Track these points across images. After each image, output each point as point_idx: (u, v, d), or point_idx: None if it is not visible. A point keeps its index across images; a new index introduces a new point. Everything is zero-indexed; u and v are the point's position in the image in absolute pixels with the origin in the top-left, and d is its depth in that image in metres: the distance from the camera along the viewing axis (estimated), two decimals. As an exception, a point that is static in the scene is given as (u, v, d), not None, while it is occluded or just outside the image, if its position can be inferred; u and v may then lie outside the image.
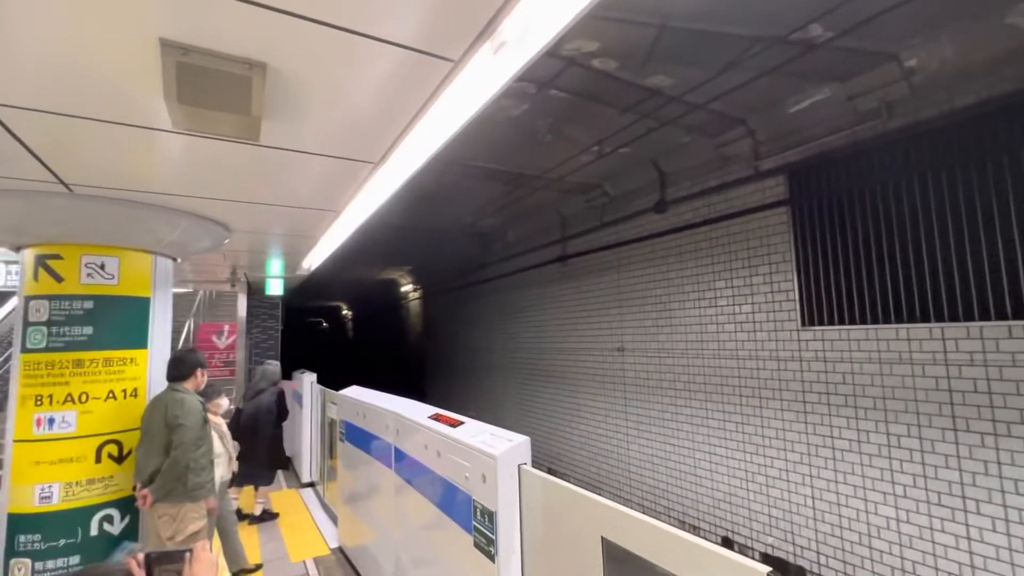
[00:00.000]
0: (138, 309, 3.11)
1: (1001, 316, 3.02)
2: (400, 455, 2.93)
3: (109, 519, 2.89)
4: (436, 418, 2.58)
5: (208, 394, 3.45)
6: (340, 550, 4.23)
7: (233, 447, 3.57)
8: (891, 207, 3.54)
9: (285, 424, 5.33)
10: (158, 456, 2.76)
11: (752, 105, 4.03)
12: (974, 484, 3.12)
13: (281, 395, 5.24)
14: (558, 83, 3.68)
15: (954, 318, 3.22)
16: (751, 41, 3.17)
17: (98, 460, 2.87)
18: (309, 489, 6.08)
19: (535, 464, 1.93)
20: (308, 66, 1.53)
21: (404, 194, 2.89)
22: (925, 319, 3.35)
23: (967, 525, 3.14)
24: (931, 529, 3.30)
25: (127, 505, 2.92)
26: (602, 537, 1.43)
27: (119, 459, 2.94)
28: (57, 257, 2.87)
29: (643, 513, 1.30)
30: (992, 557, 3.03)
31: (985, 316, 3.09)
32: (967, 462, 3.16)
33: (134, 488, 2.85)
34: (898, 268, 3.49)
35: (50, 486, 2.74)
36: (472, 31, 1.39)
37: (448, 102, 1.76)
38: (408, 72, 1.58)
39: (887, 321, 3.55)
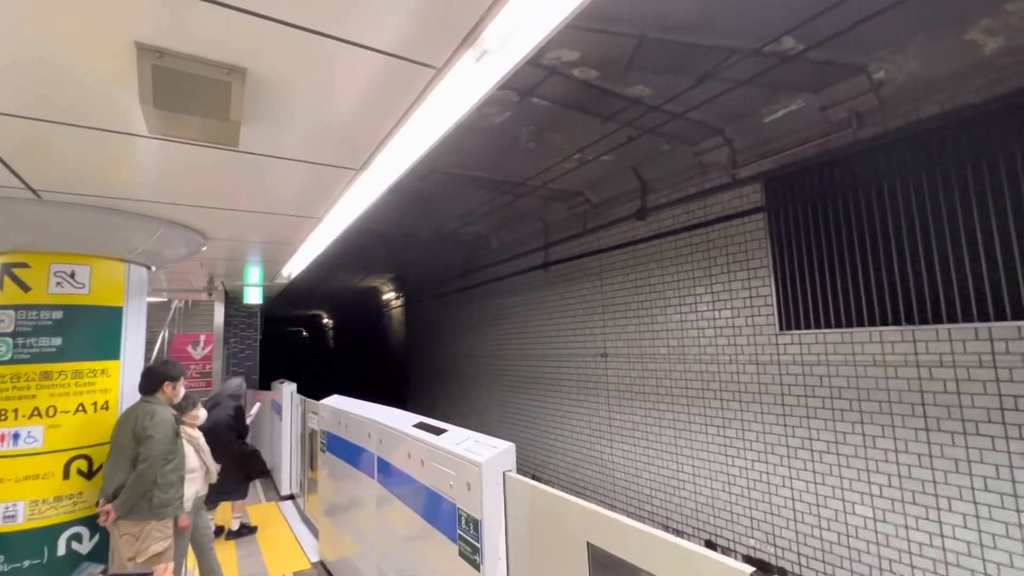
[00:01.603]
0: (110, 319, 3.02)
1: (968, 319, 3.13)
2: (383, 464, 2.89)
3: (78, 537, 2.78)
4: (420, 426, 2.55)
5: (183, 406, 3.35)
6: (321, 564, 4.14)
7: (212, 461, 3.46)
8: (863, 214, 3.66)
9: (263, 435, 5.19)
10: (125, 470, 2.65)
11: (729, 115, 4.13)
12: (946, 482, 3.22)
13: (239, 410, 5.03)
14: (540, 91, 3.71)
15: (924, 321, 3.33)
16: (727, 52, 3.25)
17: (66, 476, 2.76)
18: (289, 502, 5.95)
19: (520, 471, 1.92)
20: (289, 72, 1.51)
21: (387, 200, 2.87)
22: (897, 322, 3.46)
23: (940, 523, 3.23)
24: (906, 527, 3.39)
25: (97, 523, 2.81)
26: (587, 542, 1.43)
27: (89, 475, 2.83)
28: (24, 266, 2.78)
29: (627, 517, 1.30)
30: (964, 553, 3.11)
31: (953, 319, 3.20)
32: (939, 460, 3.25)
33: (97, 504, 2.73)
34: (871, 273, 3.60)
35: (14, 504, 2.63)
36: (455, 38, 1.40)
37: (431, 109, 1.76)
38: (391, 79, 1.58)
39: (861, 324, 3.64)
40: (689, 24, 2.99)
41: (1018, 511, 2.92)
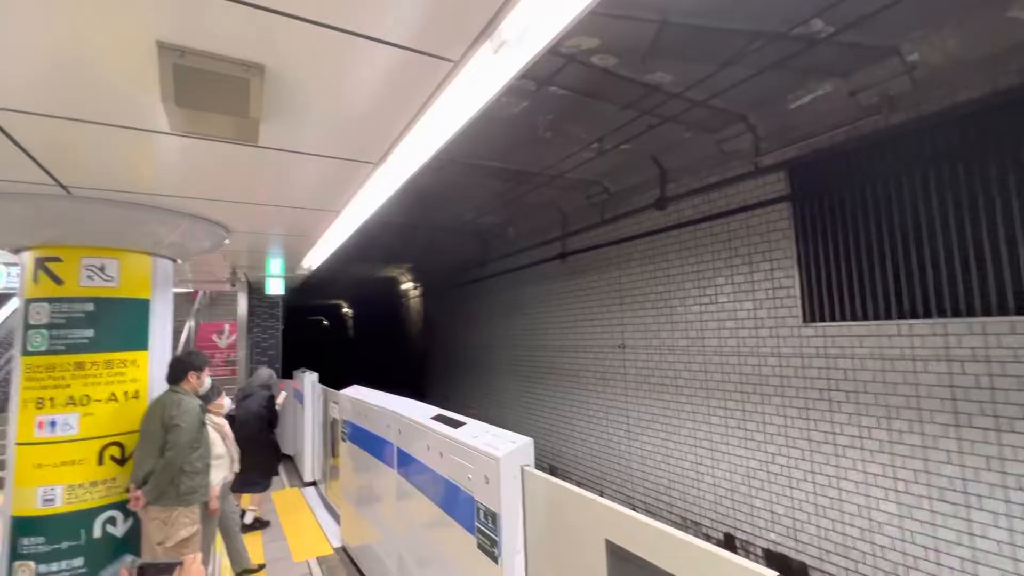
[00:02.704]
0: (138, 311, 3.10)
1: (1003, 311, 3.01)
2: (403, 455, 2.93)
3: (112, 521, 2.89)
4: (438, 418, 2.57)
5: (208, 396, 3.44)
6: (343, 549, 4.24)
7: (236, 449, 3.56)
8: (892, 202, 3.53)
9: (286, 423, 5.28)
10: (153, 457, 2.75)
11: (753, 101, 4.01)
12: (976, 480, 3.13)
13: (271, 400, 5.08)
14: (558, 80, 3.65)
15: (956, 314, 3.21)
16: (752, 36, 3.15)
17: (100, 462, 2.87)
18: (311, 488, 6.10)
19: (537, 462, 1.93)
20: (307, 67, 1.51)
21: (404, 192, 2.87)
22: (927, 315, 3.34)
23: (969, 520, 3.14)
24: (933, 524, 3.31)
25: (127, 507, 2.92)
26: (606, 539, 1.43)
27: (121, 461, 2.94)
28: (56, 260, 2.86)
29: (645, 510, 1.29)
30: (994, 552, 3.03)
31: (987, 312, 3.08)
32: (969, 458, 3.16)
33: (128, 489, 2.84)
34: (900, 263, 3.48)
35: (53, 489, 2.74)
36: (472, 31, 1.38)
37: (448, 102, 1.74)
38: (408, 72, 1.56)
39: (889, 317, 3.54)
40: (712, 8, 2.89)
41: (1053, 511, 2.83)
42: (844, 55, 3.33)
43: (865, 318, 3.67)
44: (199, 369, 3.11)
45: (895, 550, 3.49)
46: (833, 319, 3.86)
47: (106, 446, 2.89)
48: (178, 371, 3.03)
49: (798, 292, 4.09)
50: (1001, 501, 3.02)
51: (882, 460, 3.57)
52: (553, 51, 3.24)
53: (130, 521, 2.94)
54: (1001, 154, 3.03)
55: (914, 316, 3.41)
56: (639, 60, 3.41)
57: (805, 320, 4.05)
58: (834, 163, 3.86)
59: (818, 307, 3.97)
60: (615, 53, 3.34)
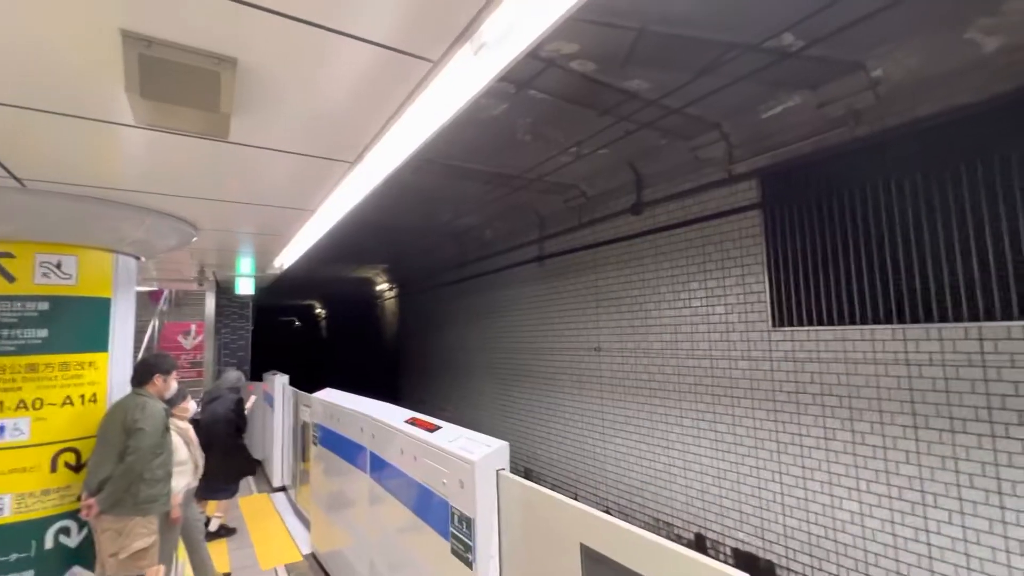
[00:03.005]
0: (98, 310, 2.96)
1: (958, 318, 3.16)
2: (376, 460, 2.88)
3: (66, 531, 2.75)
4: (412, 422, 2.54)
5: (173, 399, 3.31)
6: (313, 556, 4.15)
7: (200, 455, 3.44)
8: (858, 212, 3.66)
9: (255, 426, 5.14)
10: (111, 463, 2.61)
11: (726, 110, 4.11)
12: (932, 479, 3.26)
13: (240, 403, 4.93)
14: (537, 84, 3.67)
15: (915, 320, 3.35)
16: (726, 47, 3.22)
17: (53, 469, 2.73)
18: (281, 493, 5.94)
19: (512, 465, 1.92)
20: (282, 62, 1.47)
21: (381, 191, 2.83)
22: (888, 320, 3.48)
23: (926, 518, 3.28)
24: (892, 522, 3.44)
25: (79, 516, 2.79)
26: (581, 543, 1.43)
27: (76, 468, 2.80)
28: (8, 255, 2.71)
29: (618, 511, 1.30)
30: (948, 548, 3.17)
31: (944, 318, 3.22)
32: (926, 458, 3.30)
33: (79, 497, 2.68)
34: (863, 271, 3.62)
35: (1, 498, 2.59)
36: (452, 31, 1.37)
37: (427, 102, 1.73)
38: (386, 71, 1.54)
39: (853, 322, 3.67)
40: (689, 18, 2.95)
41: (1002, 508, 2.97)
42: (813, 69, 3.45)
43: (831, 323, 3.80)
44: (166, 373, 2.99)
45: (857, 547, 3.61)
46: (801, 324, 3.98)
47: (60, 452, 2.75)
48: (143, 373, 2.92)
49: (768, 297, 4.20)
50: (955, 499, 3.16)
51: (846, 461, 3.69)
52: (533, 55, 3.25)
53: (84, 531, 2.81)
54: (958, 167, 3.18)
55: (876, 321, 3.54)
56: (617, 67, 3.45)
57: (774, 324, 4.16)
58: (803, 172, 3.99)
59: (787, 312, 4.08)
60: (594, 59, 3.37)
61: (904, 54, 3.22)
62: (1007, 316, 2.97)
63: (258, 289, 7.93)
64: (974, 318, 3.10)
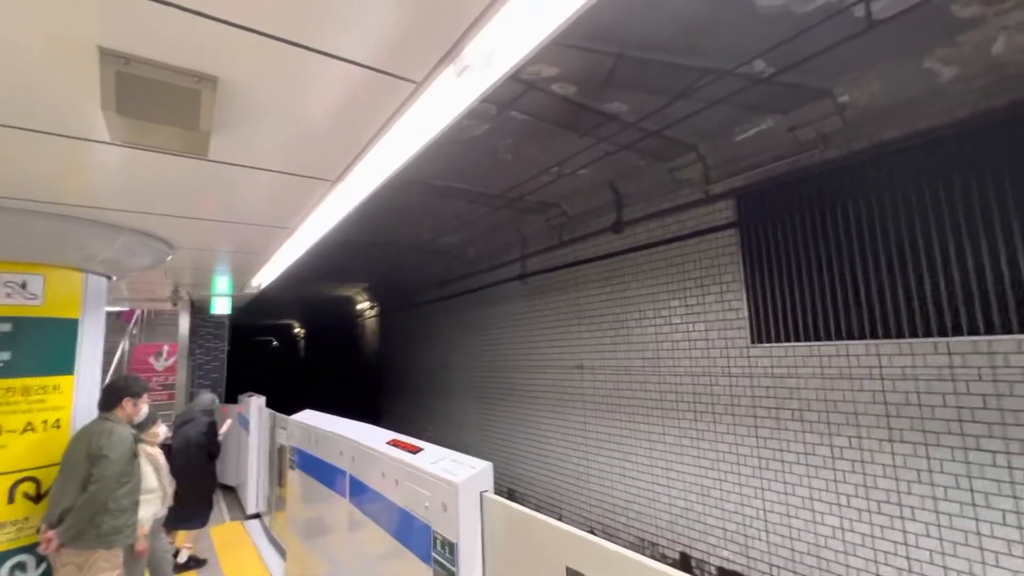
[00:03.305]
0: (65, 332, 2.86)
1: (927, 334, 3.26)
2: (355, 483, 2.80)
3: (22, 567, 2.59)
4: (394, 444, 2.48)
5: (142, 423, 3.18)
6: (288, 586, 3.97)
7: (170, 482, 3.29)
8: (829, 231, 3.78)
9: (229, 450, 4.96)
10: (74, 492, 2.46)
11: (702, 132, 4.23)
12: (909, 492, 3.32)
13: (212, 427, 4.77)
14: (519, 105, 3.73)
15: (887, 335, 3.45)
16: (701, 73, 3.34)
17: (11, 500, 2.58)
18: (255, 521, 5.72)
19: (496, 485, 1.89)
20: (263, 81, 1.47)
21: (362, 211, 2.82)
22: (862, 336, 3.57)
23: (904, 532, 3.32)
24: (872, 536, 3.47)
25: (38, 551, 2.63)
26: (567, 567, 1.40)
27: (36, 499, 2.66)
28: (-31, 275, 2.61)
29: (603, 531, 1.28)
30: (927, 561, 3.21)
31: (914, 333, 3.32)
32: (902, 471, 3.36)
33: (39, 530, 2.52)
34: (837, 288, 3.72)
35: (-49, 532, 2.44)
36: (435, 54, 1.39)
37: (410, 122, 1.74)
38: (369, 91, 1.55)
39: (828, 338, 3.75)
40: (665, 44, 3.06)
41: (976, 519, 3.03)
42: (783, 94, 3.59)
43: (807, 339, 3.88)
44: (136, 396, 2.86)
45: (839, 563, 3.63)
46: (779, 340, 4.06)
47: (19, 482, 2.61)
48: (112, 397, 2.79)
49: (746, 314, 4.28)
50: (931, 512, 3.21)
51: (826, 476, 3.74)
52: (514, 77, 3.32)
53: (42, 567, 2.65)
54: (920, 188, 3.32)
55: (850, 337, 3.63)
56: (597, 89, 3.54)
57: (753, 341, 4.23)
58: (777, 192, 4.12)
59: (765, 329, 4.16)
60: (574, 82, 3.45)
61: (868, 81, 3.38)
62: (973, 331, 3.08)
63: (235, 308, 7.75)
64: (943, 333, 3.20)
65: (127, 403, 2.81)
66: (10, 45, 1.25)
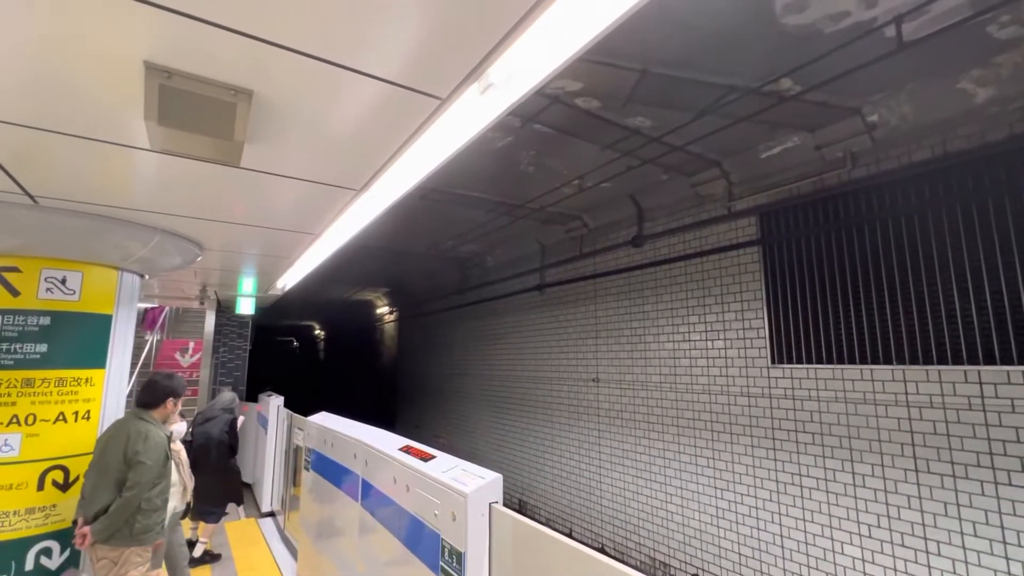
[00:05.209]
0: (99, 327, 2.98)
1: (958, 361, 3.15)
2: (368, 488, 2.83)
3: (47, 552, 2.69)
4: (407, 450, 2.51)
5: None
6: (298, 586, 4.02)
7: (189, 477, 3.38)
8: (855, 252, 3.70)
9: (248, 448, 5.06)
10: (109, 493, 2.49)
11: (727, 149, 4.20)
12: (935, 525, 3.19)
13: (234, 424, 4.87)
14: (542, 118, 3.77)
15: (914, 361, 3.34)
16: (727, 89, 3.33)
17: (40, 487, 2.69)
18: (269, 519, 5.80)
19: (506, 496, 1.89)
20: (295, 96, 1.53)
21: (384, 217, 2.88)
22: (888, 361, 3.47)
23: (929, 567, 3.19)
24: (895, 570, 3.34)
25: (69, 537, 2.71)
26: (573, 583, 1.40)
27: (64, 487, 2.76)
28: (14, 270, 2.75)
29: (614, 548, 1.28)
30: (953, 599, 3.07)
31: (943, 360, 3.21)
32: (928, 503, 3.23)
33: (74, 522, 2.59)
34: (863, 310, 3.63)
35: (-17, 516, 2.55)
36: (460, 72, 1.42)
37: (434, 136, 1.78)
38: (395, 107, 1.60)
39: (852, 362, 3.65)
40: (690, 61, 3.06)
41: (1007, 558, 2.90)
42: (810, 112, 3.55)
43: (829, 361, 3.78)
44: (179, 396, 2.86)
45: (859, 596, 3.50)
46: (800, 361, 3.97)
47: (49, 470, 2.72)
48: (158, 394, 2.74)
49: (767, 333, 4.20)
50: (959, 548, 3.08)
51: (847, 503, 3.62)
52: (539, 92, 3.35)
53: (67, 553, 2.75)
54: (953, 211, 3.23)
55: (875, 361, 3.53)
56: (620, 104, 3.56)
57: (773, 361, 4.15)
58: (802, 211, 4.05)
59: (785, 349, 4.07)
60: (598, 97, 3.47)
61: (899, 101, 3.32)
62: (1006, 360, 2.97)
63: (258, 308, 7.94)
64: (973, 361, 3.09)
65: (170, 403, 2.80)
66: (64, 58, 1.34)
